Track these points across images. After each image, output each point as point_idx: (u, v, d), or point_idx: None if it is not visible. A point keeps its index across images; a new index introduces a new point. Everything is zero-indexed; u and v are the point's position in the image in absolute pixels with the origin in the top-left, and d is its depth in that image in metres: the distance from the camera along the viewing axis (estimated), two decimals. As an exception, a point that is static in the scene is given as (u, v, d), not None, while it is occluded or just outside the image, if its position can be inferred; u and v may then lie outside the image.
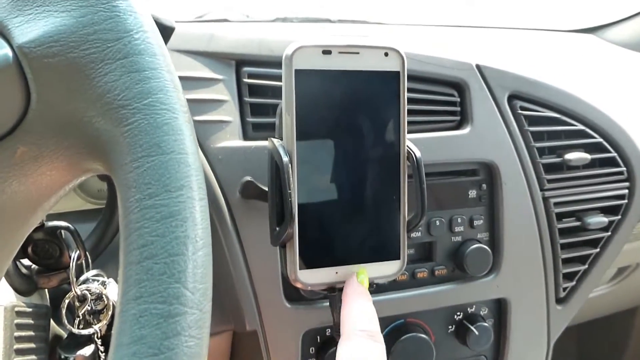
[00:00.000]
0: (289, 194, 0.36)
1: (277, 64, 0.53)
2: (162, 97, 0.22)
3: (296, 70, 0.36)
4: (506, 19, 1.18)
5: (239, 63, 0.52)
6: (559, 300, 0.66)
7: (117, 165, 0.22)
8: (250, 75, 0.52)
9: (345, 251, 0.40)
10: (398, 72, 0.39)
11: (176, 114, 0.22)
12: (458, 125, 0.60)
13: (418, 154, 0.40)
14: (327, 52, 0.37)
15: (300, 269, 0.39)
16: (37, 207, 0.25)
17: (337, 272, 0.40)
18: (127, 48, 0.22)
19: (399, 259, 0.42)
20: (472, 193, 0.60)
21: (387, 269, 0.41)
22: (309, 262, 0.39)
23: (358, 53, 0.38)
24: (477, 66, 0.60)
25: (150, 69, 0.22)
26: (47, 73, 0.22)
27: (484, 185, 0.61)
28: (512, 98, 0.62)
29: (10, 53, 0.22)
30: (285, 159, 0.36)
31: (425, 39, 0.81)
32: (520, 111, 0.61)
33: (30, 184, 0.23)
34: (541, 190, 0.62)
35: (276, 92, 0.52)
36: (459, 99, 0.59)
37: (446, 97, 0.59)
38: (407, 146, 0.41)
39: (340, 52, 0.37)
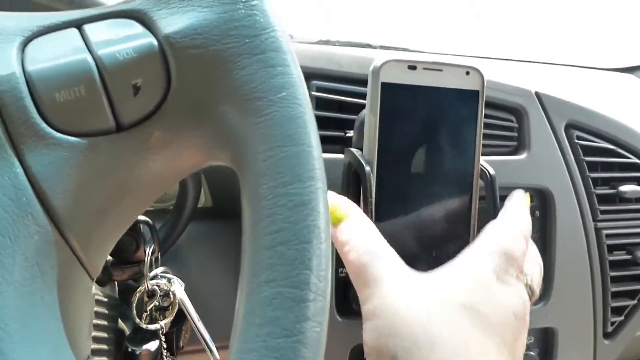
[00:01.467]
0: (369, 202, 0.37)
1: (346, 79, 0.54)
2: (294, 92, 0.23)
3: (382, 83, 0.37)
4: (512, 32, 1.18)
5: (308, 76, 0.53)
6: (607, 335, 0.65)
7: (249, 155, 0.23)
8: (319, 89, 0.53)
9: (416, 263, 0.40)
10: (477, 91, 0.40)
11: (305, 108, 0.23)
12: (515, 151, 0.60)
13: (492, 172, 0.41)
14: (412, 67, 0.38)
15: None
16: (156, 191, 0.26)
17: None
18: (264, 44, 0.23)
19: None
20: (525, 219, 0.60)
21: None
22: None
23: (441, 70, 0.39)
24: (537, 94, 0.60)
25: (284, 65, 0.23)
26: (189, 63, 0.23)
27: (537, 212, 0.61)
28: (569, 127, 0.62)
29: (155, 42, 0.23)
30: (367, 168, 0.37)
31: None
32: (576, 141, 0.62)
33: (156, 167, 0.24)
34: (594, 220, 0.62)
35: (342, 107, 0.53)
36: (516, 125, 0.60)
37: (504, 122, 0.59)
38: (481, 165, 0.41)
39: (424, 69, 0.38)
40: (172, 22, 0.23)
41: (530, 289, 0.34)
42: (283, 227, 0.21)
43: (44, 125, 0.22)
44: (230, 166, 0.25)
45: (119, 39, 0.23)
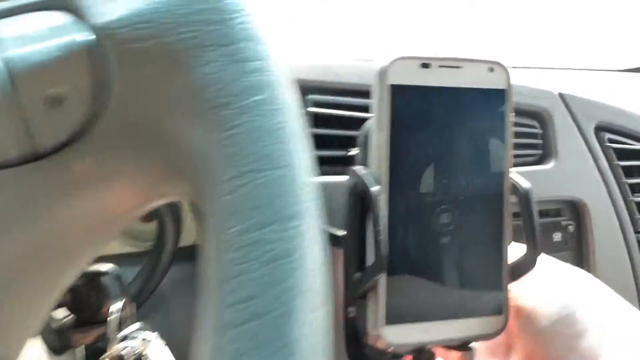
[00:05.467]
0: (378, 231, 0.30)
1: (345, 91, 0.48)
2: (273, 95, 0.17)
3: (392, 86, 0.31)
4: (508, 21, 1.16)
5: (303, 90, 0.47)
6: (658, 360, 0.58)
7: (211, 185, 0.16)
8: (316, 104, 0.47)
9: (437, 303, 0.34)
10: (504, 90, 0.34)
11: (288, 117, 0.17)
12: (540, 160, 0.54)
13: (526, 185, 0.34)
14: (425, 65, 0.32)
15: (385, 324, 0.32)
16: (90, 242, 0.19)
17: (427, 330, 0.34)
18: (234, 32, 0.17)
19: (500, 313, 0.35)
20: (557, 236, 0.54)
21: (486, 326, 0.35)
22: (395, 316, 0.33)
23: (460, 67, 0.33)
24: (561, 95, 0.55)
25: (260, 59, 0.17)
26: (133, 61, 0.16)
27: (570, 227, 0.54)
28: (599, 130, 0.57)
29: (88, 36, 0.17)
30: (376, 187, 0.31)
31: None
32: (608, 144, 0.56)
33: (86, 209, 0.17)
34: (635, 232, 0.56)
35: (343, 123, 0.47)
36: (541, 131, 0.54)
37: (527, 128, 0.54)
38: (512, 177, 0.35)
39: (440, 66, 0.33)
40: (110, 10, 0.17)
41: None
42: (257, 292, 0.14)
43: None
44: (189, 202, 0.18)
45: (39, 35, 0.16)
